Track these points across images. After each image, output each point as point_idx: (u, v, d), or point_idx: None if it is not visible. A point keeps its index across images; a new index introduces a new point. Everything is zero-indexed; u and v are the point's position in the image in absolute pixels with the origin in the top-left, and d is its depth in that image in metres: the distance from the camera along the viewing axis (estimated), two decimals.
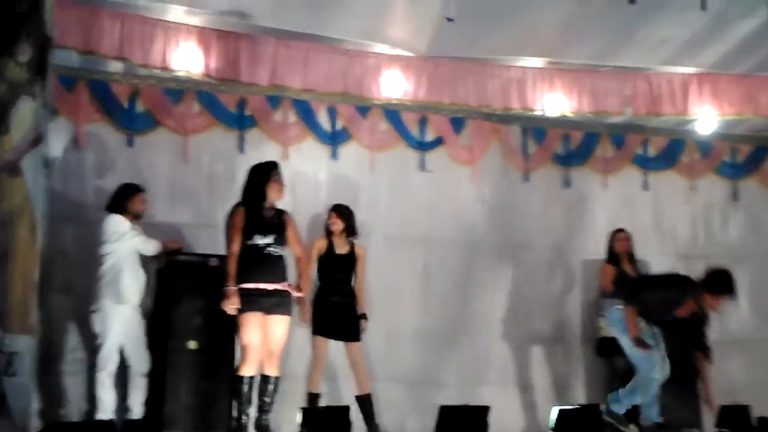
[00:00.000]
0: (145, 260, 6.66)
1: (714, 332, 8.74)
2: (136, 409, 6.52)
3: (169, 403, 6.59)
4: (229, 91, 7.66)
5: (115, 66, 7.23)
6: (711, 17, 6.80)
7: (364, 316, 7.20)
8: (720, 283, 6.66)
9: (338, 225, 7.18)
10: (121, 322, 6.41)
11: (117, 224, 6.44)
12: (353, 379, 7.14)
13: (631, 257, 8.04)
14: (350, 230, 7.23)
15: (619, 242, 8.03)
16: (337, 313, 7.05)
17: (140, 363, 6.55)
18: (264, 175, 6.40)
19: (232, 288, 6.13)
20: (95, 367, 6.43)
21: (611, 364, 7.81)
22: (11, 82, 4.88)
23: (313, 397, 7.02)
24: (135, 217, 6.61)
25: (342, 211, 7.25)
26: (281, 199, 6.49)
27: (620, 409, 6.59)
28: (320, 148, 8.08)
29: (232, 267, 6.18)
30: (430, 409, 5.75)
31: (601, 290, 7.95)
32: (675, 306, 6.62)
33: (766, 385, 7.58)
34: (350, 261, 7.23)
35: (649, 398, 6.68)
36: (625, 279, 7.75)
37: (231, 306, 6.12)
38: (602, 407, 6.66)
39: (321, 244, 7.23)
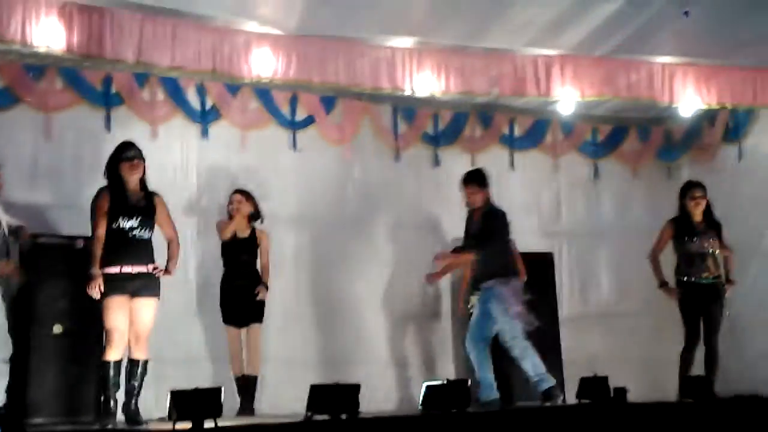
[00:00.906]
0: (5, 244, 6.41)
1: (576, 306, 9.05)
2: None
3: (33, 389, 6.41)
4: (93, 68, 7.44)
5: None
6: (573, 0, 6.93)
7: (264, 285, 7.41)
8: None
9: (246, 208, 7.39)
10: None
11: None
12: (246, 358, 7.27)
13: None
14: (256, 215, 7.45)
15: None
16: (241, 297, 7.30)
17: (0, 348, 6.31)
18: (114, 157, 6.24)
19: (96, 271, 5.97)
20: None
21: None
22: None
23: (243, 380, 7.20)
24: None
25: (248, 195, 7.44)
26: (137, 178, 6.26)
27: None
28: (190, 126, 7.98)
29: (97, 250, 6.02)
30: (304, 388, 5.71)
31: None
32: None
33: (624, 357, 7.80)
34: (253, 244, 7.42)
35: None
36: None
37: (95, 290, 5.96)
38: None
39: (226, 230, 7.37)
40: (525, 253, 8.50)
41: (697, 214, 7.63)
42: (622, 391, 6.71)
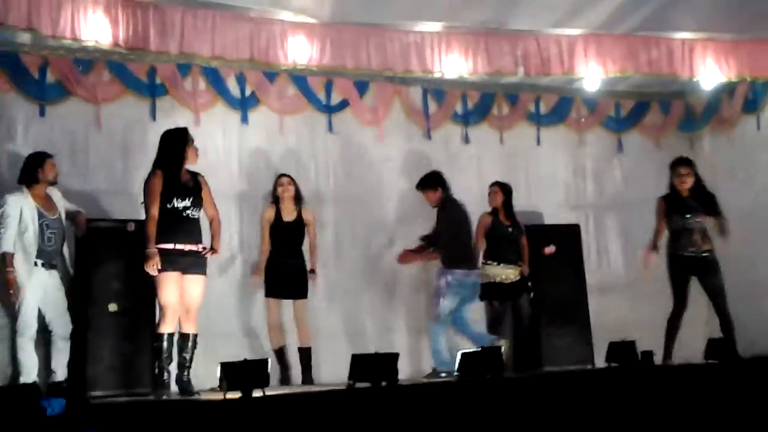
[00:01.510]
0: (62, 229, 6.53)
1: (603, 275, 9.03)
2: (60, 371, 6.39)
3: (91, 364, 6.51)
4: (138, 60, 7.51)
5: (24, 37, 6.98)
6: None
7: (312, 272, 7.46)
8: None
9: (290, 191, 7.39)
10: (37, 287, 6.28)
11: (7, 205, 6.27)
12: (297, 332, 7.35)
13: (508, 212, 7.93)
14: (298, 196, 7.46)
15: (493, 194, 7.94)
16: (287, 274, 7.31)
17: (61, 327, 6.42)
18: (182, 140, 6.30)
19: (153, 249, 6.04)
20: (16, 333, 6.28)
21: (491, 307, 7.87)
22: None
23: (279, 353, 7.24)
24: (50, 183, 6.47)
25: (292, 178, 7.45)
26: (196, 163, 6.40)
27: None
28: (230, 113, 8.01)
29: (152, 229, 6.09)
30: (343, 358, 5.80)
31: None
32: None
33: (650, 322, 7.76)
34: (299, 225, 7.42)
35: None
36: (499, 232, 7.86)
37: (153, 267, 6.03)
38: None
39: (269, 214, 7.37)
40: (552, 224, 8.57)
41: (684, 191, 7.58)
42: (649, 355, 6.72)
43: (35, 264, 6.31)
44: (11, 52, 7.17)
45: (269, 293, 7.39)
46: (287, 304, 7.44)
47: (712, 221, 7.53)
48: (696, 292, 7.52)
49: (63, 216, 6.55)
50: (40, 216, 6.37)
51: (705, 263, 7.48)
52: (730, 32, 8.30)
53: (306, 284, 7.41)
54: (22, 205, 6.30)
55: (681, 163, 7.69)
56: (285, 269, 7.34)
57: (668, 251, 7.57)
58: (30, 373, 6.20)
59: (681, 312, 7.49)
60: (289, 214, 7.44)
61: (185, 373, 6.25)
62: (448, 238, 7.70)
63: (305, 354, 7.34)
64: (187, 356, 6.26)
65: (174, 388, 6.23)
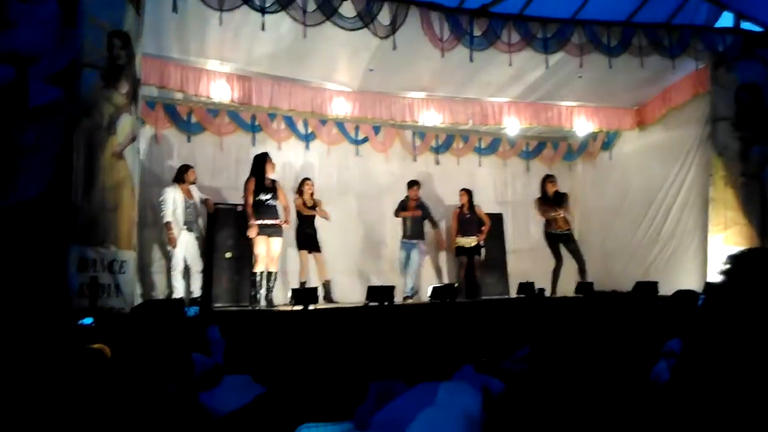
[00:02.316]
0: (196, 209, 6.53)
1: (516, 243, 8.95)
2: (196, 291, 6.45)
3: (215, 287, 6.55)
4: (245, 110, 7.48)
5: (178, 95, 6.99)
6: (515, 70, 6.88)
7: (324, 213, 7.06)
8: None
9: (312, 189, 7.11)
10: (182, 242, 6.30)
11: (166, 193, 6.32)
12: (318, 272, 7.09)
13: (470, 205, 7.92)
14: (313, 192, 7.19)
15: (461, 196, 7.93)
16: (309, 239, 6.98)
17: (196, 265, 6.47)
18: (263, 159, 6.39)
19: (253, 222, 6.11)
20: (170, 269, 6.33)
21: (459, 261, 7.87)
22: (117, 105, 4.68)
23: (302, 283, 7.00)
24: (190, 183, 6.49)
25: (312, 181, 7.22)
26: (274, 173, 6.44)
27: None
28: (299, 143, 7.96)
29: (250, 211, 6.18)
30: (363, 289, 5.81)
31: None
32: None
33: (544, 271, 7.66)
34: (314, 209, 7.12)
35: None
36: (463, 217, 7.86)
37: (252, 233, 6.10)
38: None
39: (299, 201, 7.08)
40: (489, 213, 8.53)
41: (551, 193, 7.63)
42: (542, 291, 6.78)
43: (182, 228, 6.34)
44: (170, 104, 7.18)
45: (301, 247, 6.96)
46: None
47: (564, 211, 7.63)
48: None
49: (198, 202, 6.58)
50: (184, 201, 6.40)
51: (566, 236, 7.55)
52: (594, 102, 8.25)
53: (318, 242, 7.00)
54: (175, 194, 6.34)
55: (550, 176, 7.87)
56: (308, 235, 6.97)
57: (544, 231, 7.69)
58: (179, 292, 6.25)
59: (559, 265, 7.48)
60: (309, 202, 7.07)
61: (270, 294, 6.28)
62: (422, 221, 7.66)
63: (328, 285, 6.96)
64: (272, 285, 6.31)
65: (263, 303, 6.27)
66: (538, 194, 7.97)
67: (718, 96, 6.97)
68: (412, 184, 7.69)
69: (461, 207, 7.91)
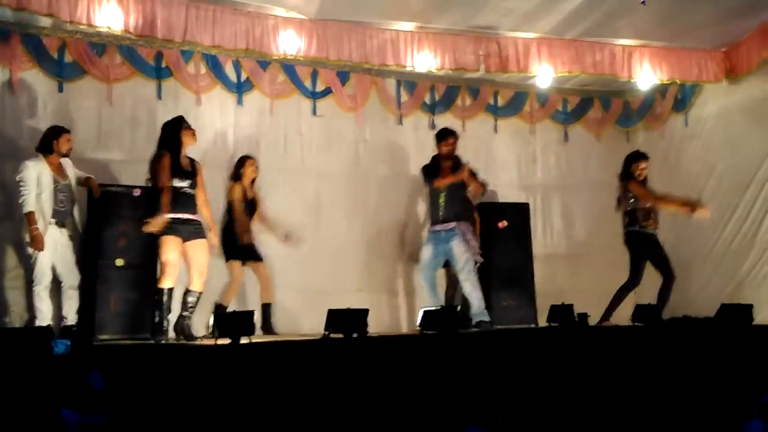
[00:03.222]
0: (72, 193, 6.47)
1: (547, 247, 9.09)
2: (70, 316, 6.37)
3: (99, 311, 6.45)
4: (146, 46, 7.42)
5: (45, 21, 6.87)
6: None
7: (287, 234, 7.28)
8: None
9: (256, 173, 7.20)
10: (49, 243, 6.22)
11: (27, 169, 6.23)
12: (261, 291, 7.15)
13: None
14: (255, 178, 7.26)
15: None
16: (249, 244, 7.07)
17: (71, 278, 6.39)
18: (177, 125, 6.31)
19: (165, 216, 6.04)
20: (32, 282, 6.25)
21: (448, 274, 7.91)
22: None
23: (219, 308, 6.91)
24: (63, 155, 6.42)
25: (255, 160, 7.24)
26: (194, 144, 6.40)
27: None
28: (227, 96, 7.94)
29: (166, 198, 6.07)
30: (321, 312, 5.78)
31: None
32: None
33: (586, 288, 7.81)
34: (254, 203, 7.23)
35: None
36: None
37: (157, 224, 6.03)
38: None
39: (238, 189, 7.11)
40: (505, 202, 8.59)
41: (643, 176, 7.55)
42: (584, 316, 6.76)
43: (50, 223, 6.26)
44: (33, 35, 7.06)
45: (233, 257, 7.06)
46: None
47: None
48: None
49: (73, 183, 6.51)
50: (54, 181, 6.31)
51: (655, 240, 7.46)
52: (663, 41, 8.32)
53: (258, 250, 7.15)
54: (39, 171, 6.25)
55: (641, 156, 7.65)
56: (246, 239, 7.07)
57: (627, 229, 7.47)
58: (45, 318, 6.16)
59: (635, 284, 7.40)
60: (249, 192, 7.19)
61: (187, 322, 6.23)
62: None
63: (268, 309, 7.09)
64: (191, 309, 6.26)
65: (172, 334, 6.22)
66: (584, 172, 7.77)
67: None
68: (445, 134, 7.49)
69: None
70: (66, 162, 6.49)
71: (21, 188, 6.19)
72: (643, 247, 7.40)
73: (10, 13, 6.61)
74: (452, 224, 7.23)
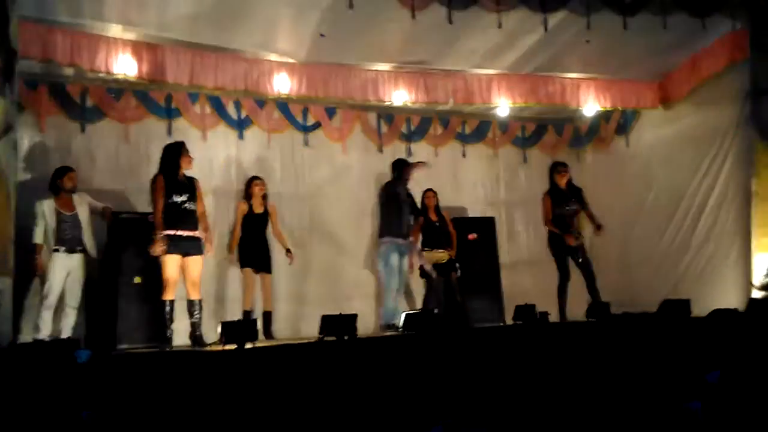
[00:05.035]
0: (78, 222, 6.40)
1: (512, 255, 9.09)
2: (65, 332, 6.25)
3: (120, 323, 6.40)
4: (158, 90, 7.40)
5: (68, 71, 6.87)
6: (505, 33, 6.92)
7: (288, 251, 7.24)
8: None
9: (263, 190, 7.22)
10: (57, 268, 6.19)
11: (37, 207, 6.24)
12: (262, 299, 7.12)
13: (436, 209, 7.99)
14: (266, 194, 7.29)
15: (427, 198, 7.99)
16: (258, 255, 7.10)
17: (73, 299, 6.33)
18: (176, 150, 6.24)
19: (161, 234, 5.95)
20: (42, 303, 6.19)
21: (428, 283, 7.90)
22: None
23: (246, 314, 6.93)
24: (68, 191, 6.39)
25: (262, 180, 7.29)
26: (190, 169, 6.32)
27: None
28: (230, 131, 7.92)
29: (160, 218, 6.01)
30: (315, 318, 5.75)
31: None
32: None
33: (546, 290, 7.74)
34: (266, 217, 7.23)
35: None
36: (429, 226, 7.90)
37: (159, 248, 5.94)
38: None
39: (243, 206, 7.18)
40: (474, 217, 8.61)
41: (562, 185, 7.51)
42: (544, 315, 6.77)
43: (57, 250, 6.23)
44: (58, 83, 7.06)
45: (246, 265, 7.11)
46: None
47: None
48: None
49: (83, 214, 6.44)
50: (58, 214, 6.29)
51: (578, 245, 7.40)
52: (606, 74, 8.39)
53: (270, 262, 7.18)
54: (45, 207, 6.26)
55: (560, 164, 7.70)
56: (256, 251, 7.12)
57: (550, 236, 7.49)
58: (44, 335, 6.07)
59: (566, 281, 7.40)
60: (257, 208, 7.21)
61: (198, 331, 6.15)
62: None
63: (269, 316, 7.07)
64: (198, 317, 6.18)
65: (179, 342, 6.14)
66: (541, 189, 7.90)
67: (760, 64, 7.13)
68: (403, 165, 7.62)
69: (425, 212, 7.94)
70: (78, 196, 6.47)
71: (33, 223, 6.19)
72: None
73: (38, 65, 6.58)
74: (403, 241, 7.44)
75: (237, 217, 7.23)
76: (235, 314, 6.93)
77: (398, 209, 7.45)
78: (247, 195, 7.27)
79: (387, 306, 7.30)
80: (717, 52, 7.74)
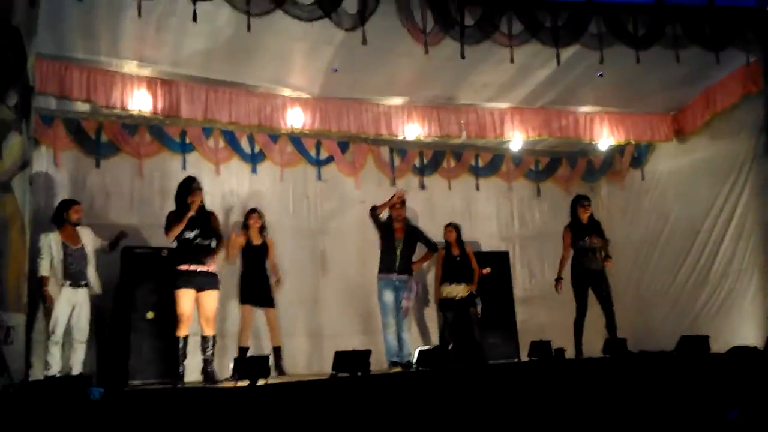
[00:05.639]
0: (84, 256, 6.37)
1: (527, 290, 9.05)
2: (76, 367, 6.19)
3: (132, 359, 6.38)
4: (172, 125, 7.49)
5: (83, 107, 6.96)
6: (518, 67, 6.95)
7: (277, 280, 7.16)
8: None
9: (259, 222, 7.17)
10: (64, 301, 6.15)
11: (43, 240, 6.20)
12: (270, 335, 7.10)
13: (458, 243, 7.93)
14: (264, 226, 7.23)
15: (447, 234, 7.96)
16: (259, 288, 7.03)
17: (81, 333, 6.26)
18: (187, 184, 6.32)
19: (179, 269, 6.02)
20: (49, 337, 6.12)
21: (444, 317, 7.87)
22: (2, 121, 4.62)
23: (242, 350, 6.92)
24: (74, 224, 6.39)
25: (260, 213, 7.25)
26: (197, 203, 6.30)
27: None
28: (243, 165, 7.99)
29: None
30: (329, 354, 5.71)
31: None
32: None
33: (562, 326, 7.69)
34: (264, 249, 7.19)
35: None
36: (450, 260, 7.84)
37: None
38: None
39: (240, 239, 7.15)
40: (488, 252, 8.58)
41: (584, 219, 7.45)
42: (561, 351, 6.71)
43: (63, 284, 6.21)
44: (74, 119, 7.15)
45: (245, 301, 7.05)
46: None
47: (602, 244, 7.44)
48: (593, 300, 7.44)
49: (89, 247, 6.42)
50: (64, 247, 6.26)
51: (599, 276, 7.31)
52: (619, 107, 8.43)
53: (272, 295, 7.09)
54: (51, 240, 6.23)
55: (583, 198, 7.68)
56: (256, 284, 7.06)
57: (573, 268, 7.43)
58: (53, 370, 6.03)
59: (583, 317, 7.31)
60: (255, 240, 7.15)
61: (210, 367, 6.16)
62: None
63: (278, 351, 6.99)
64: (211, 353, 6.18)
65: (191, 378, 6.15)
66: (555, 222, 7.84)
67: None
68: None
69: (447, 246, 7.92)
70: (84, 230, 6.45)
71: (38, 256, 6.14)
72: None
73: (54, 101, 6.69)
74: (405, 276, 7.41)
75: (231, 247, 7.08)
76: (234, 350, 6.93)
77: (390, 245, 7.46)
78: (245, 226, 7.22)
79: (387, 343, 7.29)
80: (731, 84, 7.75)
